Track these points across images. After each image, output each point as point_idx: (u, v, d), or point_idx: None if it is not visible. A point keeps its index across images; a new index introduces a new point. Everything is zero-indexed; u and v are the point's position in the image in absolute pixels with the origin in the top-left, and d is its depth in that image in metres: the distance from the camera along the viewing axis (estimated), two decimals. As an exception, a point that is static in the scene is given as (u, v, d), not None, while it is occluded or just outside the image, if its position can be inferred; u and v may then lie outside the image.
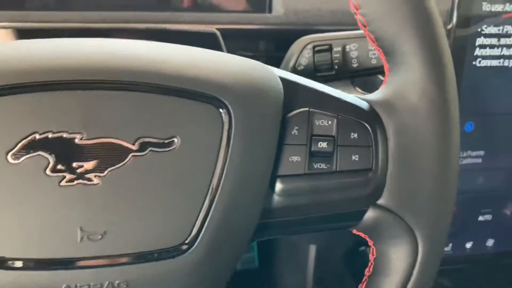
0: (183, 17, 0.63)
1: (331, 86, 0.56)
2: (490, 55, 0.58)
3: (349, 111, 0.35)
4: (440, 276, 0.70)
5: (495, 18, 0.57)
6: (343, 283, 0.79)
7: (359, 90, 0.61)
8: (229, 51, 0.60)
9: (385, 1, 0.32)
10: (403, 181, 0.34)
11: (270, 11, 0.66)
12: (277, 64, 0.60)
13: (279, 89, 0.33)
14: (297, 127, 0.34)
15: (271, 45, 0.68)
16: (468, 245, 0.68)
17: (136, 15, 0.62)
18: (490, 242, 0.68)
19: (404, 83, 0.34)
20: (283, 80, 0.34)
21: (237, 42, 0.67)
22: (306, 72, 0.55)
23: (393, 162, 0.34)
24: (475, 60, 0.58)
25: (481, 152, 0.63)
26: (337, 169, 0.34)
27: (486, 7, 0.56)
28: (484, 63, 0.58)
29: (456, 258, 0.68)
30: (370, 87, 0.60)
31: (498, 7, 0.56)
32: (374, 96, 0.36)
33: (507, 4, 0.57)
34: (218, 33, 0.58)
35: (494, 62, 0.59)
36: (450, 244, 0.67)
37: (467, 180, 0.64)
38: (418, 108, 0.33)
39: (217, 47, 0.57)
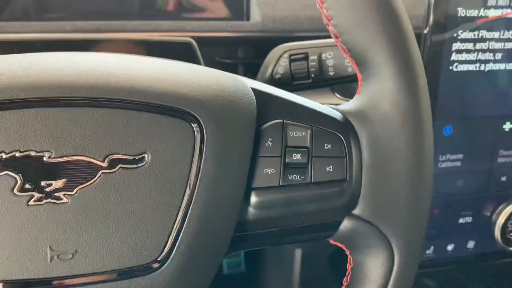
0: (161, 26, 0.63)
1: (310, 93, 0.56)
2: (466, 60, 0.59)
3: (323, 121, 0.35)
4: (423, 278, 0.71)
5: (470, 23, 0.57)
6: (328, 286, 0.79)
7: (338, 96, 0.61)
8: (207, 59, 0.60)
9: (356, 13, 0.33)
10: (377, 191, 0.35)
11: (248, 18, 0.66)
12: (256, 71, 0.60)
13: (252, 101, 0.33)
14: (271, 139, 0.34)
15: (249, 52, 0.68)
16: (450, 247, 0.68)
17: (113, 24, 0.62)
18: (471, 244, 0.69)
19: (377, 93, 0.34)
20: (256, 91, 0.34)
21: (216, 49, 0.67)
22: (283, 81, 0.55)
23: (367, 172, 0.34)
24: (452, 65, 0.59)
25: (460, 156, 0.63)
26: (312, 181, 0.34)
27: (461, 12, 0.57)
28: (461, 67, 0.59)
29: (438, 261, 0.68)
30: (349, 93, 0.60)
31: (473, 13, 0.57)
32: (347, 106, 0.36)
33: (482, 9, 0.57)
34: (193, 42, 0.57)
35: (471, 67, 0.59)
36: (432, 247, 0.67)
37: (447, 183, 0.64)
38: (390, 118, 0.34)
39: (193, 56, 0.57)
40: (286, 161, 0.34)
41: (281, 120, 0.34)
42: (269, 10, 0.66)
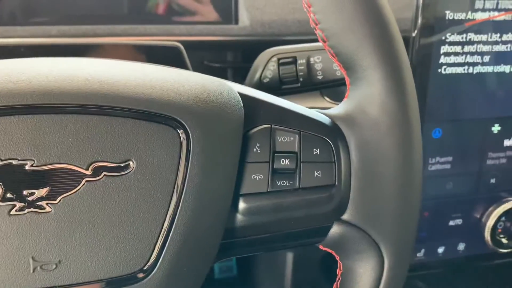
0: (149, 30, 0.63)
1: (299, 97, 0.56)
2: (454, 63, 0.59)
3: (311, 126, 0.34)
4: (414, 280, 0.71)
5: (458, 26, 0.58)
6: (321, 290, 0.79)
7: (328, 99, 0.61)
8: (196, 62, 0.60)
9: (343, 17, 0.32)
10: (366, 196, 0.34)
11: (236, 22, 0.66)
12: (245, 75, 0.60)
13: (239, 106, 0.33)
14: (259, 144, 0.33)
15: (238, 56, 0.68)
16: (440, 250, 0.68)
17: (100, 28, 0.61)
18: (461, 246, 0.69)
19: (365, 97, 0.34)
20: (243, 96, 0.33)
21: (204, 53, 0.67)
22: (271, 85, 0.55)
23: (356, 177, 0.34)
24: (440, 67, 0.59)
25: (450, 158, 0.63)
26: (300, 186, 0.34)
27: (449, 15, 0.57)
28: (449, 70, 0.59)
29: (429, 263, 0.68)
30: (339, 96, 0.60)
31: (460, 16, 0.57)
32: (336, 110, 0.36)
33: (469, 13, 0.57)
34: (181, 46, 0.57)
35: (459, 69, 0.60)
36: (423, 250, 0.67)
37: (437, 185, 0.64)
38: (379, 122, 0.33)
39: (181, 61, 0.56)
40: (275, 167, 0.33)
41: (269, 125, 0.34)
42: (258, 14, 0.66)
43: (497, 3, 0.58)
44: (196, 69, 0.59)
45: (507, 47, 0.60)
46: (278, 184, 0.33)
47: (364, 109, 0.34)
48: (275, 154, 0.33)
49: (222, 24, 0.66)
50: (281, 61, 0.55)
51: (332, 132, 0.34)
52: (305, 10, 0.34)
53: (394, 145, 0.33)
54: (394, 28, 0.33)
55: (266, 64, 0.55)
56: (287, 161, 0.33)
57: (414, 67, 0.57)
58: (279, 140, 0.34)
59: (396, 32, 0.33)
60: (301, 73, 0.54)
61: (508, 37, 0.60)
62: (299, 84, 0.55)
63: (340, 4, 0.32)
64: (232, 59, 0.68)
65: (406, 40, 0.37)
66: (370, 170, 0.34)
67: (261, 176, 0.33)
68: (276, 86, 0.55)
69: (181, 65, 0.57)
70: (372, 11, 0.32)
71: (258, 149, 0.33)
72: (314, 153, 0.34)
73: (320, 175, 0.34)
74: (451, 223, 0.67)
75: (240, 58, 0.68)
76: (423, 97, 0.59)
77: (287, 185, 0.34)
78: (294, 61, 0.54)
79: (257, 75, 0.55)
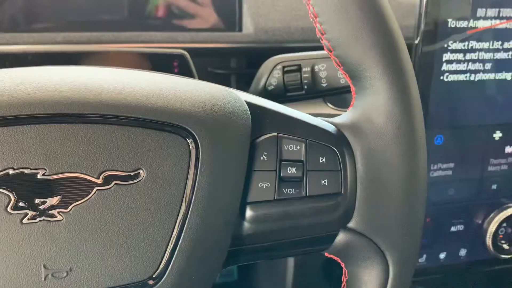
0: (154, 37, 0.63)
1: (303, 104, 0.56)
2: (456, 70, 0.60)
3: (317, 135, 0.35)
4: (416, 286, 0.71)
5: (460, 34, 0.58)
6: (322, 295, 0.79)
7: (331, 106, 0.61)
8: (200, 69, 0.60)
9: (349, 27, 0.33)
10: (372, 204, 0.35)
11: (240, 29, 0.67)
12: (249, 82, 0.60)
13: (246, 115, 0.33)
14: (266, 153, 0.34)
15: (242, 63, 0.68)
16: (442, 255, 0.68)
17: (105, 35, 0.62)
18: (462, 252, 0.69)
19: (371, 106, 0.34)
20: (251, 105, 0.34)
21: (208, 60, 0.67)
22: (276, 92, 0.55)
23: (362, 185, 0.34)
24: (443, 75, 0.59)
25: (451, 164, 0.64)
26: (307, 194, 0.34)
27: (451, 23, 0.57)
28: (451, 77, 0.60)
29: (431, 269, 0.69)
30: (342, 103, 0.60)
31: (463, 24, 0.58)
32: (341, 119, 0.36)
33: (471, 21, 0.58)
34: (187, 54, 0.57)
35: (461, 77, 0.60)
36: (424, 256, 0.68)
37: (439, 192, 0.65)
38: (384, 131, 0.34)
39: (186, 68, 0.57)
40: (281, 175, 0.34)
41: (275, 134, 0.34)
42: (262, 21, 0.66)
43: (499, 11, 0.58)
44: (200, 75, 0.60)
45: (508, 55, 0.61)
46: (285, 192, 0.34)
47: (370, 118, 0.34)
48: (282, 163, 0.34)
49: (226, 31, 0.67)
50: (286, 69, 0.55)
51: (338, 141, 0.35)
52: (311, 20, 0.34)
53: (399, 154, 0.34)
54: (399, 38, 0.34)
55: (271, 71, 0.55)
56: (293, 169, 0.34)
57: (416, 74, 0.57)
58: (286, 148, 0.34)
59: (401, 42, 0.34)
60: (305, 81, 0.55)
61: (509, 45, 0.60)
62: (303, 92, 0.55)
63: (346, 14, 0.32)
64: (235, 65, 0.69)
65: (409, 47, 0.37)
66: (376, 178, 0.34)
67: (268, 184, 0.33)
68: (280, 94, 0.55)
69: (187, 72, 0.57)
70: (377, 22, 0.33)
71: (265, 157, 0.34)
72: (321, 161, 0.34)
73: (326, 184, 0.34)
74: (453, 229, 0.67)
75: (244, 64, 0.69)
76: (425, 104, 0.59)
77: (294, 193, 0.34)
78: (299, 69, 0.55)
79: (262, 82, 0.56)
